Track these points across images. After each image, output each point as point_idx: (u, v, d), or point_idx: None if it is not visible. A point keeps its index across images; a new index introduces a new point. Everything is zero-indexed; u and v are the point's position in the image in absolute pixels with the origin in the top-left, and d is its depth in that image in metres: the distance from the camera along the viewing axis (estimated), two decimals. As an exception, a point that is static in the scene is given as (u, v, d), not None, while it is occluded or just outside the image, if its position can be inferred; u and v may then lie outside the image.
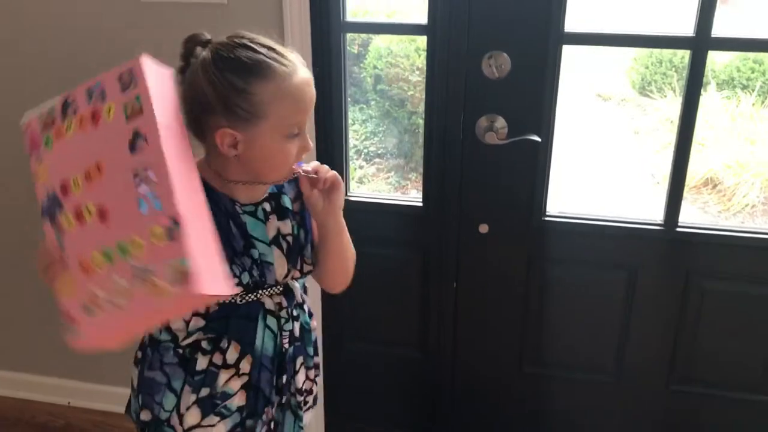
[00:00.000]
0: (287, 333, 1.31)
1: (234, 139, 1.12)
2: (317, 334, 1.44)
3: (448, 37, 1.72)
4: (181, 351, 1.27)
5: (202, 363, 1.27)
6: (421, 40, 4.21)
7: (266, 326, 1.29)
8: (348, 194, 1.94)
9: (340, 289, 1.41)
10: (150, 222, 0.98)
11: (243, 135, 1.11)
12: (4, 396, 2.34)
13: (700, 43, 1.63)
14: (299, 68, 1.14)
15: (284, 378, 1.33)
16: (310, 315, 1.42)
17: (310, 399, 1.44)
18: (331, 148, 1.88)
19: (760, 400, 1.91)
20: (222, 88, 1.09)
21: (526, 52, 1.70)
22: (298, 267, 1.30)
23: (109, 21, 1.82)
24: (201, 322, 1.26)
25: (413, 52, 4.38)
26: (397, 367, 2.11)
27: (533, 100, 1.73)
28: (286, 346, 1.32)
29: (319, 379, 2.06)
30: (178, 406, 1.28)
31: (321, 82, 1.79)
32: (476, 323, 2.00)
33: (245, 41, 1.13)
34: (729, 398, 1.92)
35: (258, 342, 1.28)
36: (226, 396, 1.28)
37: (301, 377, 1.38)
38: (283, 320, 1.31)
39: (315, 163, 1.25)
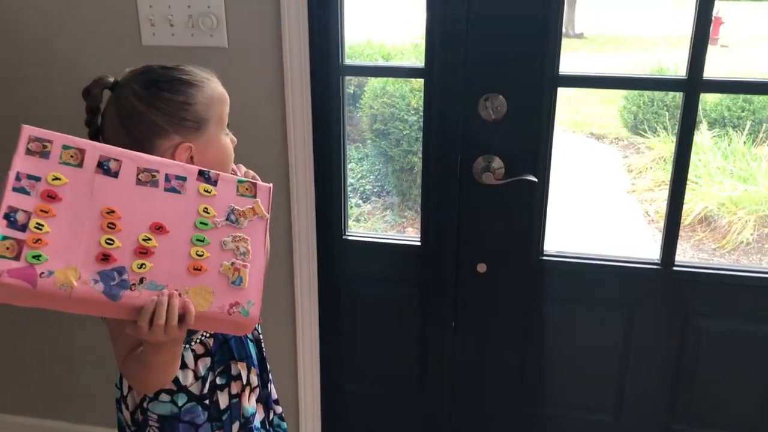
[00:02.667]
0: (261, 336, 1.38)
1: (190, 152, 1.17)
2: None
3: (445, 79, 1.75)
4: (206, 402, 1.27)
5: (223, 401, 1.28)
6: (416, 81, 4.28)
7: (247, 337, 1.34)
8: (346, 233, 1.96)
9: None
10: (193, 190, 1.10)
11: (196, 145, 1.18)
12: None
13: (693, 85, 1.66)
14: (209, 74, 1.24)
15: (269, 387, 1.40)
16: None
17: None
18: (330, 187, 1.90)
19: (760, 440, 1.90)
20: (167, 108, 1.15)
21: (521, 94, 1.72)
22: None
23: (111, 65, 1.84)
24: (208, 361, 1.27)
25: (408, 92, 4.44)
26: (395, 406, 2.09)
27: (529, 141, 1.76)
28: (264, 352, 1.39)
29: (317, 418, 2.07)
30: None
31: (320, 123, 1.82)
32: (475, 363, 1.99)
33: (159, 66, 1.21)
34: (729, 438, 1.91)
35: (252, 353, 1.34)
36: (253, 415, 1.33)
37: (273, 386, 1.45)
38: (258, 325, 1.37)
39: (242, 167, 1.31)
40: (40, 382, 2.26)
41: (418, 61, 5.20)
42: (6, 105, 1.95)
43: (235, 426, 1.29)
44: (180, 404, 1.25)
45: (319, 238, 1.91)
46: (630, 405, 1.94)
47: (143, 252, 1.04)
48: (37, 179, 1.01)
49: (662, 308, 1.85)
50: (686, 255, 4.31)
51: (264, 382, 1.39)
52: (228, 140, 1.24)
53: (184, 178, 1.10)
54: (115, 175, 1.06)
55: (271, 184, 1.17)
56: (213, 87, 1.21)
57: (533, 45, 1.68)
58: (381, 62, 4.86)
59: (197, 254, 1.07)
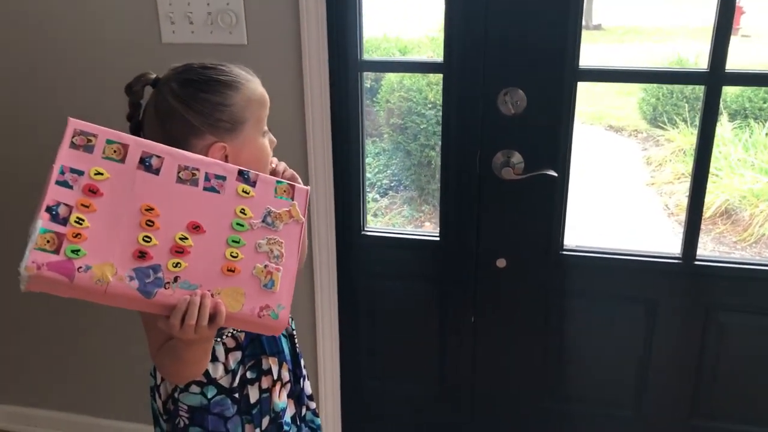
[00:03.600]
0: (294, 331, 1.39)
1: (224, 151, 1.18)
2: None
3: (463, 74, 1.75)
4: (236, 395, 1.28)
5: (254, 395, 1.30)
6: (434, 75, 4.27)
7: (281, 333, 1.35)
8: (365, 229, 1.96)
9: None
10: (232, 190, 1.10)
11: (231, 145, 1.18)
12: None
13: (715, 78, 1.64)
14: (249, 75, 1.24)
15: (301, 382, 1.40)
16: None
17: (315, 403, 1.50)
18: (348, 183, 1.90)
19: (783, 435, 1.89)
20: (202, 108, 1.16)
21: (541, 89, 1.72)
22: None
23: (131, 63, 1.86)
24: (238, 355, 1.28)
25: (425, 86, 4.43)
26: (416, 402, 2.10)
27: (549, 136, 1.75)
28: (298, 348, 1.40)
29: (337, 414, 2.08)
30: None
31: (338, 118, 1.82)
32: (495, 358, 1.99)
33: (199, 65, 1.20)
34: (752, 433, 1.90)
35: (285, 348, 1.34)
36: (284, 410, 1.33)
37: (307, 382, 1.45)
38: (290, 318, 1.38)
39: (275, 161, 1.30)
40: (71, 376, 2.29)
41: (435, 54, 5.18)
42: (26, 104, 1.97)
43: (266, 420, 1.31)
44: (209, 396, 1.27)
45: (338, 233, 1.92)
46: (651, 400, 1.93)
47: (179, 251, 1.05)
48: (80, 173, 1.03)
49: (683, 302, 1.83)
50: (707, 248, 4.27)
51: (296, 377, 1.39)
52: (266, 142, 1.24)
53: (223, 178, 1.10)
54: (157, 172, 1.07)
55: (308, 187, 1.17)
56: (252, 88, 1.21)
57: (553, 38, 1.67)
58: (398, 57, 4.85)
59: (231, 255, 1.07)
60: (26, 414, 2.35)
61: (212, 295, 1.04)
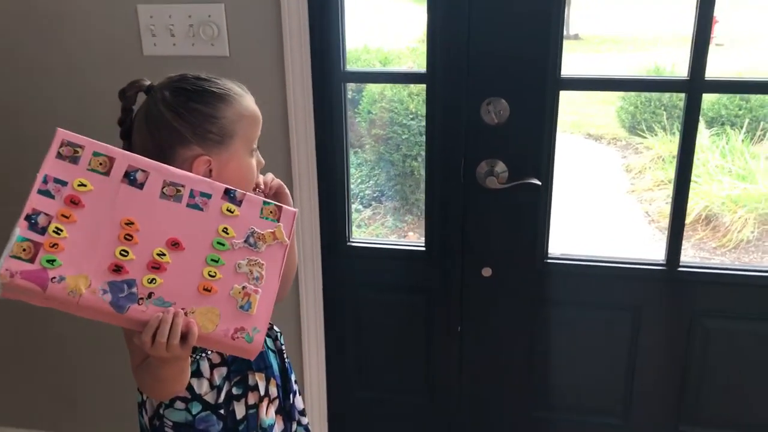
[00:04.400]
0: (283, 346, 1.38)
1: (209, 165, 1.16)
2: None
3: (447, 84, 1.75)
4: (221, 411, 1.26)
5: (240, 411, 1.27)
6: (415, 85, 4.28)
7: (268, 348, 1.33)
8: (351, 240, 1.95)
9: (281, 298, 1.38)
10: (216, 208, 1.08)
11: (216, 159, 1.16)
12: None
13: (695, 85, 1.66)
14: (243, 90, 1.23)
15: (291, 397, 1.38)
16: None
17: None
18: (333, 194, 1.89)
19: (768, 439, 1.90)
20: (192, 118, 1.14)
21: (524, 98, 1.73)
22: None
23: (112, 75, 1.85)
24: (224, 370, 1.26)
25: (407, 96, 4.44)
26: (403, 412, 2.09)
27: (532, 145, 1.76)
28: (287, 362, 1.38)
29: (321, 422, 2.06)
30: None
31: (322, 129, 1.81)
32: (482, 367, 1.99)
33: (193, 75, 1.20)
34: (738, 438, 1.91)
35: (272, 363, 1.33)
36: (271, 427, 1.31)
37: (299, 397, 1.44)
38: (278, 333, 1.38)
39: (260, 176, 1.29)
40: (46, 393, 2.26)
41: (415, 64, 5.19)
42: (8, 116, 1.95)
43: None
44: (194, 412, 1.25)
45: (324, 244, 1.91)
46: (637, 406, 1.94)
47: (155, 267, 1.03)
48: (64, 184, 1.02)
49: (668, 308, 1.85)
50: (687, 254, 4.31)
51: (286, 392, 1.38)
52: (253, 161, 1.22)
53: (209, 196, 1.08)
54: (141, 186, 1.06)
55: (296, 210, 1.15)
56: (245, 104, 1.19)
57: (535, 48, 1.68)
58: (380, 67, 4.87)
59: (209, 275, 1.06)
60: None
61: (186, 314, 1.02)
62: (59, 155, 1.03)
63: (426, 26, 1.74)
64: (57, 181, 1.02)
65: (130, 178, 1.05)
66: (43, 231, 0.99)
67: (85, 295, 0.98)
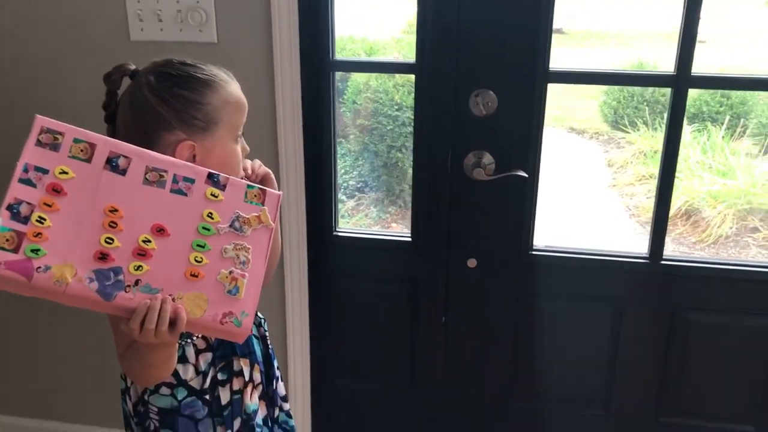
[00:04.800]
0: (266, 332, 1.39)
1: (192, 150, 1.16)
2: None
3: (436, 75, 1.75)
4: (207, 397, 1.26)
5: (225, 396, 1.28)
6: (400, 76, 4.27)
7: (252, 334, 1.34)
8: (337, 229, 1.95)
9: (266, 283, 1.40)
10: (200, 193, 1.08)
11: (200, 145, 1.15)
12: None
13: (681, 81, 1.68)
14: (229, 77, 1.22)
15: (274, 383, 1.39)
16: None
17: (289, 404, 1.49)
18: (320, 183, 1.89)
19: (743, 431, 1.93)
20: (176, 103, 1.14)
21: (512, 90, 1.73)
22: None
23: (99, 60, 1.82)
24: (209, 356, 1.27)
25: (392, 87, 4.43)
26: (386, 401, 2.10)
27: (520, 137, 1.77)
28: (270, 346, 1.39)
29: (305, 411, 2.06)
30: None
31: (310, 118, 1.81)
32: (466, 357, 2.00)
33: (179, 61, 1.19)
34: (717, 429, 1.94)
35: (256, 349, 1.33)
36: (256, 413, 1.32)
37: (281, 383, 1.44)
38: (261, 320, 1.38)
39: (247, 162, 1.28)
40: (37, 381, 2.24)
41: (401, 55, 5.17)
42: (-11, 101, 1.92)
43: (237, 422, 1.29)
44: (180, 398, 1.25)
45: (310, 234, 1.91)
46: (619, 397, 1.96)
47: (141, 254, 1.03)
48: (45, 172, 1.01)
49: (650, 301, 1.87)
50: (668, 249, 4.35)
51: (269, 378, 1.38)
52: (237, 148, 1.22)
53: (192, 181, 1.08)
54: (123, 172, 1.04)
55: (280, 193, 1.15)
56: (230, 91, 1.19)
57: (524, 40, 1.69)
58: (367, 57, 4.85)
59: (196, 260, 1.05)
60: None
61: (174, 300, 1.02)
62: (39, 143, 1.01)
63: (416, 16, 1.73)
64: (38, 169, 1.01)
65: (112, 164, 1.04)
66: (25, 220, 0.98)
67: (72, 284, 0.98)
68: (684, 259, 1.88)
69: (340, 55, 1.78)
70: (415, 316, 1.98)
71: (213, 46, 1.76)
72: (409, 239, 1.93)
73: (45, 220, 0.99)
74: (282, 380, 1.46)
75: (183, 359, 1.24)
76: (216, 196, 1.08)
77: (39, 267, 0.96)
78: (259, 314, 1.39)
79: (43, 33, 1.83)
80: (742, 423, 1.93)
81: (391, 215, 4.55)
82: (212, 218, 1.08)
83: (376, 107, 4.49)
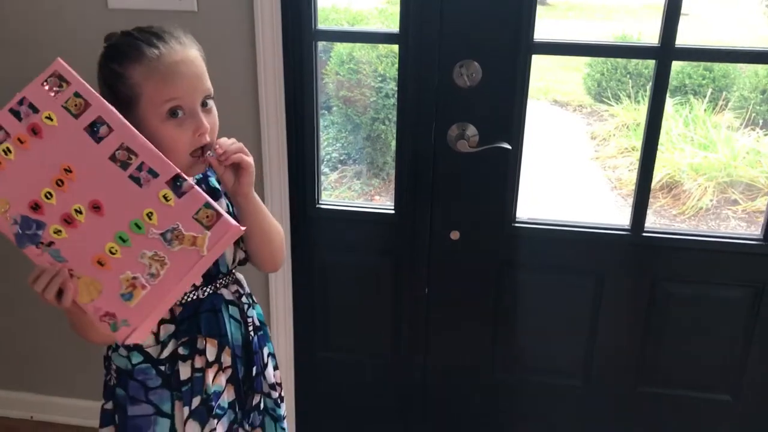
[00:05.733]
0: (250, 319, 1.34)
1: None
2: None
3: (419, 45, 1.73)
4: (162, 368, 1.26)
5: (185, 372, 1.26)
6: (384, 47, 4.23)
7: (230, 316, 1.31)
8: (319, 203, 1.94)
9: (270, 269, 1.40)
10: (154, 190, 1.03)
11: (133, 120, 1.10)
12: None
13: (665, 52, 1.67)
14: (174, 48, 1.14)
15: (254, 370, 1.34)
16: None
17: (282, 392, 1.45)
18: (302, 156, 1.88)
19: (722, 399, 1.97)
20: (108, 77, 1.14)
21: (496, 61, 1.72)
22: (241, 245, 1.31)
23: (76, 28, 1.79)
24: (171, 328, 1.25)
25: (375, 58, 4.40)
26: (369, 373, 2.11)
27: (503, 109, 1.76)
28: (252, 334, 1.34)
29: (288, 384, 2.07)
30: (173, 427, 1.26)
31: (292, 89, 1.79)
32: (448, 329, 2.01)
33: (128, 31, 1.16)
34: (694, 398, 1.97)
35: (229, 333, 1.29)
36: (218, 395, 1.29)
37: (271, 370, 1.41)
38: (246, 306, 1.34)
39: (223, 139, 1.19)
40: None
41: (384, 25, 5.10)
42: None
43: (196, 400, 1.26)
44: (134, 362, 1.26)
45: (292, 207, 1.90)
46: (599, 368, 1.99)
47: (68, 221, 1.05)
48: (36, 111, 1.04)
49: (631, 273, 1.88)
50: (649, 221, 4.39)
51: (249, 365, 1.34)
52: (174, 130, 1.12)
53: (155, 175, 1.04)
54: (99, 140, 1.04)
55: (239, 226, 1.05)
56: (157, 66, 1.11)
57: (508, 11, 1.67)
58: (350, 27, 4.80)
59: (110, 250, 1.05)
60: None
61: (71, 276, 1.04)
62: (45, 83, 1.04)
63: (399, -14, 1.71)
64: (31, 106, 1.04)
65: (93, 128, 1.04)
66: None
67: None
68: (665, 231, 1.89)
69: (322, 25, 1.75)
70: (398, 289, 1.99)
71: (193, 15, 1.73)
72: (392, 212, 1.92)
73: (11, 152, 1.04)
74: (277, 369, 1.44)
75: None
76: (167, 200, 1.04)
77: None
78: (248, 299, 1.36)
79: (17, 0, 1.79)
80: (719, 392, 1.97)
81: (375, 188, 4.54)
82: (150, 219, 1.04)
83: (360, 78, 4.45)
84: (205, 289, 1.27)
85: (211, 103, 1.19)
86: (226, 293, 1.31)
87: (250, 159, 1.19)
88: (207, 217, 1.03)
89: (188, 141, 1.14)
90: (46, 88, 1.04)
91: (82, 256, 1.04)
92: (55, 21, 1.79)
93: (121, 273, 1.04)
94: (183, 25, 1.67)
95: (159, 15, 1.72)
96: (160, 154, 1.05)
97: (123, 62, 1.12)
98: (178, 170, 1.04)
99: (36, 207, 1.04)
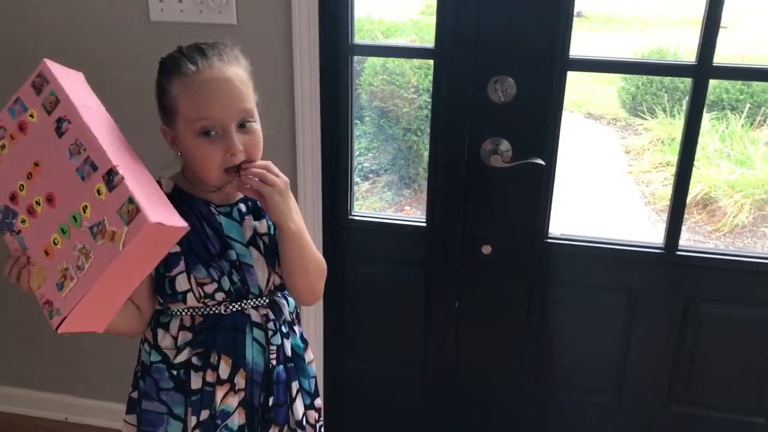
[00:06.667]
0: (274, 347, 1.29)
1: (168, 135, 1.20)
2: (317, 370, 1.42)
3: (455, 61, 1.75)
4: (175, 372, 1.27)
5: (196, 381, 1.26)
6: (417, 59, 4.25)
7: (254, 339, 1.28)
8: (351, 213, 1.96)
9: (308, 301, 1.36)
10: (91, 184, 1.05)
11: (172, 132, 1.18)
12: (2, 411, 2.32)
13: (703, 71, 1.66)
14: (214, 65, 1.15)
15: (271, 400, 1.30)
16: (304, 341, 1.39)
17: None
18: (336, 167, 1.90)
19: (755, 422, 1.93)
20: (156, 89, 1.20)
21: (531, 77, 1.72)
22: (277, 270, 1.28)
23: (119, 41, 1.84)
24: (189, 336, 1.26)
25: (409, 70, 4.41)
26: (398, 385, 2.11)
27: (537, 124, 1.76)
28: (274, 362, 1.30)
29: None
30: (185, 431, 1.28)
31: (328, 102, 1.81)
32: (477, 343, 2.01)
33: (183, 45, 1.20)
34: (726, 420, 1.94)
35: (248, 355, 1.27)
36: (226, 414, 1.26)
37: (299, 407, 1.34)
38: (270, 333, 1.29)
39: (262, 163, 1.20)
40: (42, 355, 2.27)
41: (418, 37, 5.11)
42: (11, 82, 1.93)
43: (204, 413, 1.26)
44: (152, 360, 1.28)
45: (325, 218, 1.92)
46: (630, 386, 1.97)
47: (30, 211, 1.11)
48: (25, 109, 1.13)
49: (665, 291, 1.86)
50: (682, 237, 4.33)
51: (267, 394, 1.30)
52: (206, 147, 1.15)
53: (95, 168, 1.05)
54: (61, 135, 1.09)
55: (156, 222, 1.01)
56: (192, 83, 1.13)
57: (544, 27, 1.68)
58: (383, 40, 4.83)
59: (53, 241, 1.08)
60: (15, 394, 2.33)
61: (28, 263, 1.10)
62: (33, 84, 1.13)
63: (436, 1, 1.72)
64: (22, 105, 1.13)
65: (58, 124, 1.10)
66: None
67: None
68: (699, 250, 1.87)
69: (358, 38, 1.77)
70: (428, 302, 1.99)
71: (232, 28, 1.76)
72: (424, 224, 1.93)
73: (5, 148, 1.14)
74: (311, 409, 1.38)
75: (166, 327, 1.27)
76: (100, 194, 1.04)
77: None
78: (275, 324, 1.30)
79: (63, 11, 1.84)
80: (753, 415, 1.93)
81: (406, 198, 4.55)
82: (84, 212, 1.05)
83: (393, 89, 4.47)
84: (229, 305, 1.26)
85: (251, 124, 1.19)
86: (254, 315, 1.28)
87: (268, 189, 1.17)
88: (127, 212, 1.01)
89: (219, 159, 1.16)
90: (33, 88, 1.12)
91: (36, 245, 1.10)
92: (98, 33, 1.83)
93: (60, 263, 1.07)
94: (222, 38, 1.71)
95: (199, 28, 1.76)
96: (104, 147, 1.05)
97: (166, 76, 1.17)
98: (114, 163, 1.04)
99: (13, 198, 1.12)
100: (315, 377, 1.42)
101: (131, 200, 1.01)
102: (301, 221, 1.27)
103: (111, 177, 1.03)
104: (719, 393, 1.93)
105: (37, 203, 1.10)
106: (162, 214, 1.04)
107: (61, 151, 1.08)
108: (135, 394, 1.34)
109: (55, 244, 1.07)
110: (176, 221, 1.06)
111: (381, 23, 5.37)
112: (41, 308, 1.08)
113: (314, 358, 1.43)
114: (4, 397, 2.33)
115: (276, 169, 1.21)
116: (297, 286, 1.30)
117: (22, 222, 1.11)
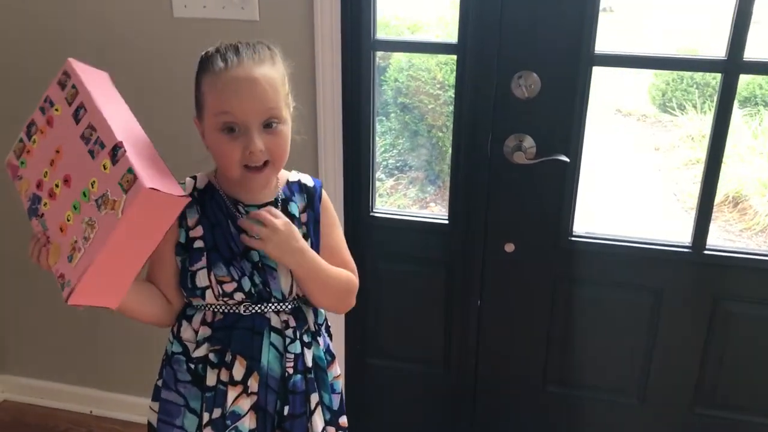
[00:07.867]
0: (292, 355, 1.27)
1: (201, 130, 1.22)
2: (341, 385, 1.40)
3: (478, 56, 1.73)
4: (192, 366, 1.28)
5: (211, 378, 1.26)
6: (443, 55, 4.21)
7: (271, 343, 1.26)
8: (373, 210, 1.95)
9: (338, 312, 1.41)
10: (99, 160, 1.10)
11: (201, 126, 1.22)
12: (28, 403, 2.35)
13: (732, 66, 1.62)
14: (244, 64, 1.16)
15: (286, 409, 1.28)
16: (331, 355, 1.37)
17: None
18: (358, 163, 1.89)
19: (786, 426, 1.89)
20: (195, 83, 1.22)
21: (555, 73, 1.70)
22: None
23: (142, 37, 1.85)
24: (208, 331, 1.27)
25: (434, 66, 4.39)
26: (419, 383, 2.10)
27: (562, 121, 1.73)
28: (290, 370, 1.27)
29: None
30: (200, 427, 1.27)
31: (350, 98, 1.80)
32: (499, 341, 1.99)
33: (223, 42, 1.21)
34: (754, 423, 1.90)
35: (264, 359, 1.26)
36: (236, 416, 1.25)
37: (318, 421, 1.31)
38: (288, 340, 1.27)
39: (263, 211, 1.22)
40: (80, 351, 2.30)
41: (444, 33, 5.09)
42: (36, 79, 1.95)
43: (217, 411, 1.25)
44: (173, 350, 1.30)
45: (347, 214, 1.91)
46: (655, 387, 1.94)
47: (51, 195, 1.16)
48: (52, 105, 1.21)
49: (692, 291, 1.83)
50: (712, 236, 4.25)
51: (283, 402, 1.28)
52: (227, 143, 1.16)
53: (102, 146, 1.10)
54: (78, 122, 1.15)
55: (150, 188, 1.03)
56: (218, 79, 1.15)
57: (569, 21, 1.65)
58: (410, 36, 4.81)
59: (67, 218, 1.12)
60: (41, 387, 2.37)
61: (48, 242, 1.14)
62: (58, 81, 1.21)
63: (459, -4, 1.71)
64: (50, 102, 1.21)
65: (76, 112, 1.15)
66: (29, 137, 1.23)
67: (22, 195, 1.22)
68: (727, 249, 1.83)
69: (382, 33, 1.76)
70: (450, 299, 1.98)
71: (254, 24, 1.76)
72: (446, 221, 1.91)
73: (36, 141, 1.22)
74: (332, 425, 1.35)
75: (189, 319, 1.29)
76: (105, 168, 1.09)
77: (19, 175, 1.23)
78: (295, 332, 1.28)
79: (86, 10, 1.85)
80: (783, 418, 1.89)
81: (430, 195, 4.52)
82: (92, 187, 1.10)
83: (418, 85, 4.45)
84: (249, 306, 1.26)
85: (277, 125, 1.19)
86: (274, 319, 1.27)
87: (266, 232, 1.19)
88: (126, 181, 1.05)
89: (239, 156, 1.17)
90: (59, 85, 1.20)
91: (54, 224, 1.14)
92: (121, 29, 1.85)
93: (71, 238, 1.11)
94: (245, 34, 1.70)
95: (222, 24, 1.76)
96: (111, 127, 1.10)
97: (200, 71, 1.21)
98: (119, 139, 1.08)
99: (39, 185, 1.18)
100: (341, 394, 1.39)
101: (130, 170, 1.05)
102: (314, 259, 1.25)
103: (116, 152, 1.08)
104: (747, 396, 1.89)
105: (56, 186, 1.15)
106: (159, 182, 1.06)
107: (76, 135, 1.14)
108: (160, 382, 1.34)
109: (68, 221, 1.12)
110: (173, 190, 1.09)
111: (407, 19, 5.35)
112: (57, 281, 1.11)
113: (340, 374, 1.41)
114: (30, 389, 2.36)
115: (276, 211, 1.22)
116: (321, 305, 1.34)
117: (44, 206, 1.16)
